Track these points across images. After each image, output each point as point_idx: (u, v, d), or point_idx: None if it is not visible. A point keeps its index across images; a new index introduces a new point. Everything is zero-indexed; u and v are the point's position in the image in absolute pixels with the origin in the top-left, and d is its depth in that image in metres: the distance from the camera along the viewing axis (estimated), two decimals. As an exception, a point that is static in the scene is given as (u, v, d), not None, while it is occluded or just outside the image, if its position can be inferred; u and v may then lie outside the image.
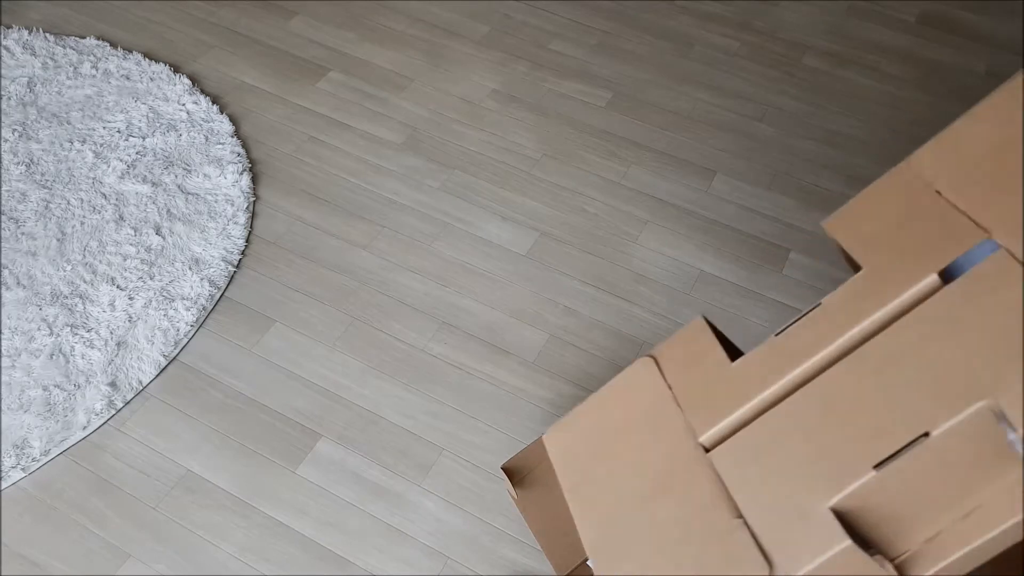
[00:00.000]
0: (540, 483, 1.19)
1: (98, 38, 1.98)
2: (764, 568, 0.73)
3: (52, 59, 1.91)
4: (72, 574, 1.18)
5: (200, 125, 1.80)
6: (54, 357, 1.40)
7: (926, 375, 0.75)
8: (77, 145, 1.73)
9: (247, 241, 1.61)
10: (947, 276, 0.80)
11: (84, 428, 1.32)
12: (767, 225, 1.70)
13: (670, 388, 0.90)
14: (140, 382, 1.39)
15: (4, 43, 1.94)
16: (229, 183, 1.68)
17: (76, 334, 1.43)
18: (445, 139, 1.83)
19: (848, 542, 0.70)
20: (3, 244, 1.55)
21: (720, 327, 1.52)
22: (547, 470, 1.19)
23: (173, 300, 1.49)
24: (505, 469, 1.13)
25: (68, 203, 1.63)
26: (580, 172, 1.78)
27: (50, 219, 1.60)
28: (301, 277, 1.56)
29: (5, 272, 1.51)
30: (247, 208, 1.65)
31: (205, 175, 1.70)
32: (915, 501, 0.72)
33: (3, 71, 1.88)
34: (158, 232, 1.59)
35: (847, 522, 0.73)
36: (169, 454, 1.31)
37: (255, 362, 1.43)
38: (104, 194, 1.65)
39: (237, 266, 1.57)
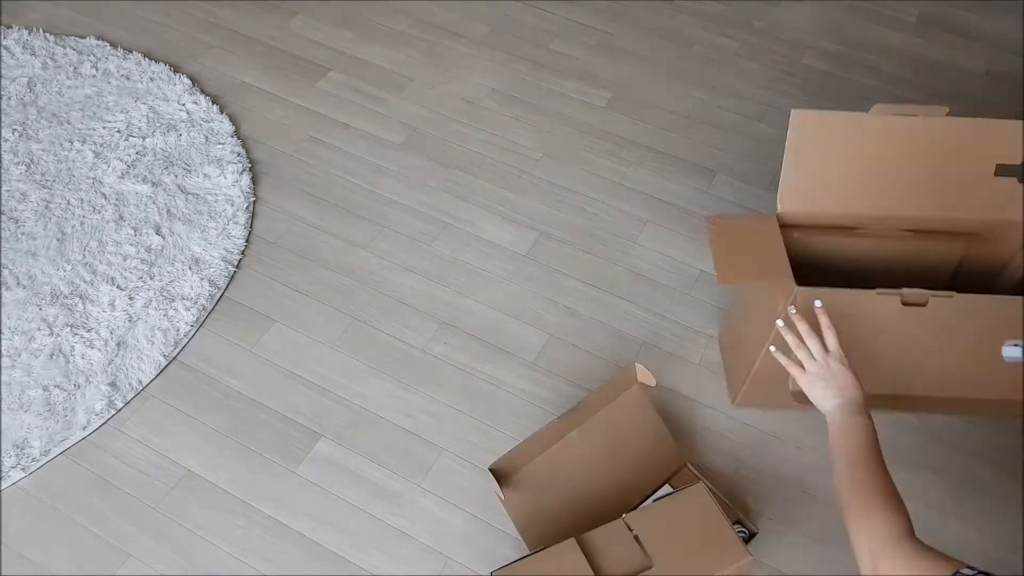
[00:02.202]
0: (527, 484, 1.21)
1: (98, 38, 1.98)
2: None
3: (52, 59, 1.91)
4: (72, 574, 1.18)
5: (200, 125, 1.80)
6: (54, 357, 1.40)
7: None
8: (77, 145, 1.73)
9: (247, 241, 1.61)
10: None
11: (84, 428, 1.32)
12: (767, 225, 1.70)
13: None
14: (140, 382, 1.39)
15: (4, 43, 1.94)
16: (229, 183, 1.68)
17: (76, 334, 1.43)
18: (445, 139, 1.83)
19: None
20: (3, 244, 1.55)
21: (720, 327, 1.52)
22: (534, 471, 1.21)
23: (173, 300, 1.49)
24: (492, 470, 1.15)
25: (68, 203, 1.63)
26: (580, 172, 1.78)
27: (50, 219, 1.60)
28: (301, 277, 1.56)
29: (5, 272, 1.51)
30: (247, 208, 1.65)
31: (205, 175, 1.70)
32: None
33: (3, 71, 1.88)
34: (158, 232, 1.59)
35: None
36: (169, 454, 1.31)
37: (255, 362, 1.43)
38: (104, 194, 1.65)
39: (237, 266, 1.57)
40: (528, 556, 1.06)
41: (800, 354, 1.11)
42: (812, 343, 1.10)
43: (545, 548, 1.05)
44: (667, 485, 1.29)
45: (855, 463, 0.96)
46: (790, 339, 1.12)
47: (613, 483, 1.26)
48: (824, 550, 1.24)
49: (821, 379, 1.07)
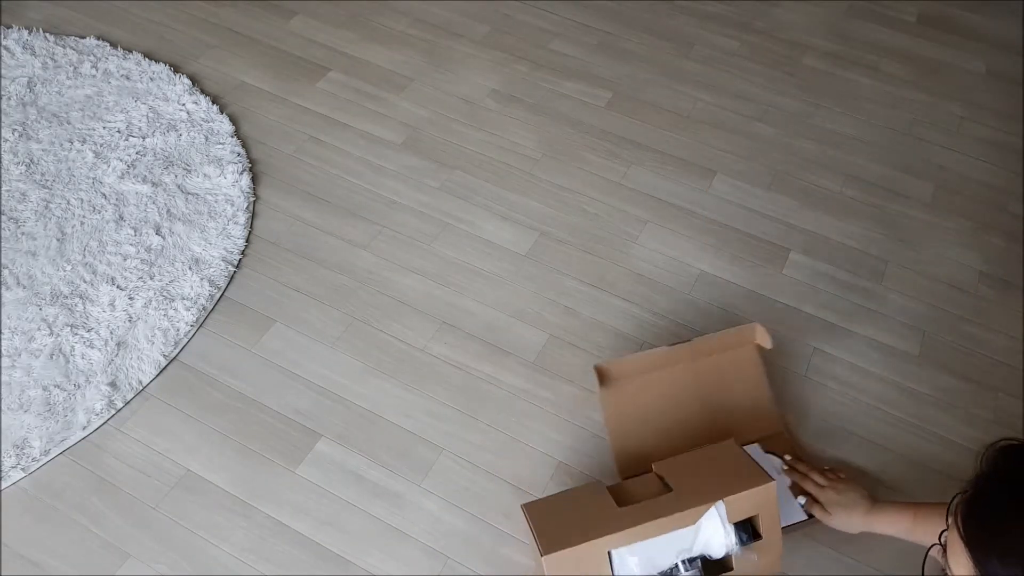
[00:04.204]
0: (624, 395, 1.32)
1: (98, 38, 1.98)
2: None
3: (52, 59, 1.91)
4: (72, 574, 1.18)
5: (200, 125, 1.80)
6: (54, 357, 1.40)
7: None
8: (77, 145, 1.73)
9: (247, 241, 1.61)
10: None
11: (84, 428, 1.32)
12: (767, 225, 1.70)
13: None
14: (140, 382, 1.39)
15: (4, 43, 1.94)
16: (229, 183, 1.68)
17: (76, 334, 1.43)
18: (445, 139, 1.83)
19: None
20: (3, 244, 1.55)
21: (720, 327, 1.52)
22: (635, 386, 1.32)
23: (173, 300, 1.49)
24: (597, 368, 1.29)
25: (68, 203, 1.63)
26: (580, 172, 1.78)
27: (50, 219, 1.60)
28: (301, 277, 1.56)
29: (5, 272, 1.51)
30: (247, 208, 1.65)
31: (205, 175, 1.69)
32: None
33: (3, 71, 1.88)
34: (158, 232, 1.59)
35: None
36: (169, 454, 1.31)
37: (255, 362, 1.43)
38: (104, 194, 1.65)
39: (237, 266, 1.57)
40: (556, 494, 1.19)
41: (820, 494, 1.23)
42: (809, 487, 1.25)
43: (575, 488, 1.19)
44: (757, 444, 1.33)
45: (918, 529, 1.11)
46: (809, 486, 1.26)
47: (705, 424, 1.34)
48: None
49: (837, 507, 1.20)
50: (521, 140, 1.84)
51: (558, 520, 1.10)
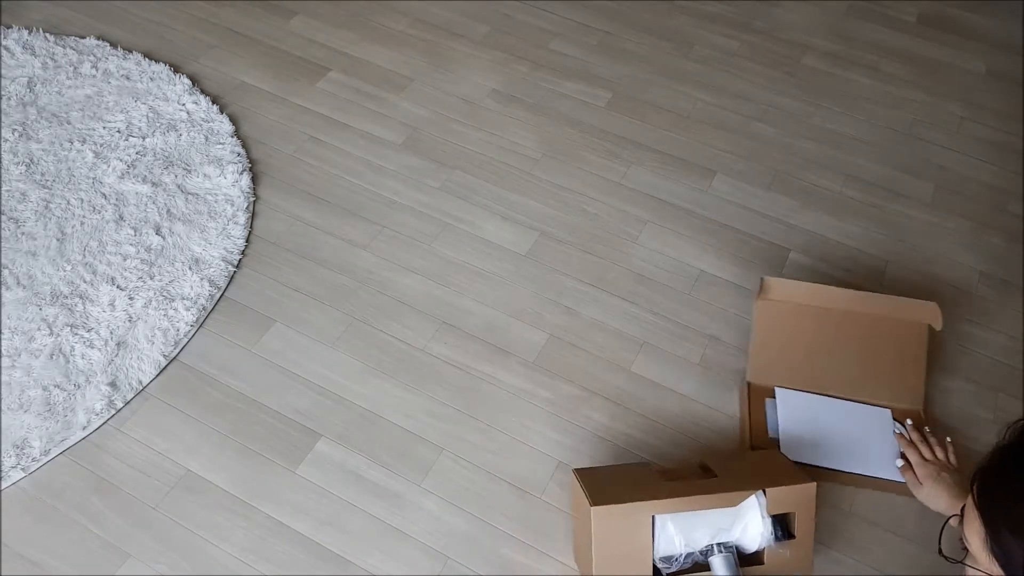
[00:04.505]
0: (779, 313, 1.39)
1: (98, 38, 1.98)
2: None
3: (52, 59, 1.91)
4: (72, 574, 1.18)
5: (200, 125, 1.80)
6: (54, 357, 1.40)
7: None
8: (77, 145, 1.73)
9: (247, 241, 1.61)
10: None
11: (84, 428, 1.32)
12: (767, 225, 1.70)
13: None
14: (140, 382, 1.39)
15: (4, 43, 1.94)
16: (229, 183, 1.68)
17: (76, 334, 1.43)
18: (445, 139, 1.83)
19: None
20: (3, 244, 1.55)
21: (720, 328, 1.52)
22: (792, 309, 1.39)
23: (173, 300, 1.49)
24: (764, 280, 1.36)
25: (68, 203, 1.63)
26: (580, 172, 1.78)
27: (50, 219, 1.60)
28: (301, 277, 1.56)
29: (5, 272, 1.51)
30: (247, 208, 1.65)
31: (205, 175, 1.69)
32: None
33: (3, 71, 1.88)
34: (158, 232, 1.59)
35: None
36: (169, 454, 1.31)
37: (255, 362, 1.43)
38: (104, 194, 1.65)
39: (237, 266, 1.57)
40: (604, 465, 1.28)
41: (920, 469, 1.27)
42: (912, 455, 1.29)
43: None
44: (889, 410, 1.38)
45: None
46: (913, 455, 1.30)
47: (845, 369, 1.39)
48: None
49: (929, 480, 1.23)
50: (521, 140, 1.84)
51: (607, 483, 1.16)
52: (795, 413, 1.37)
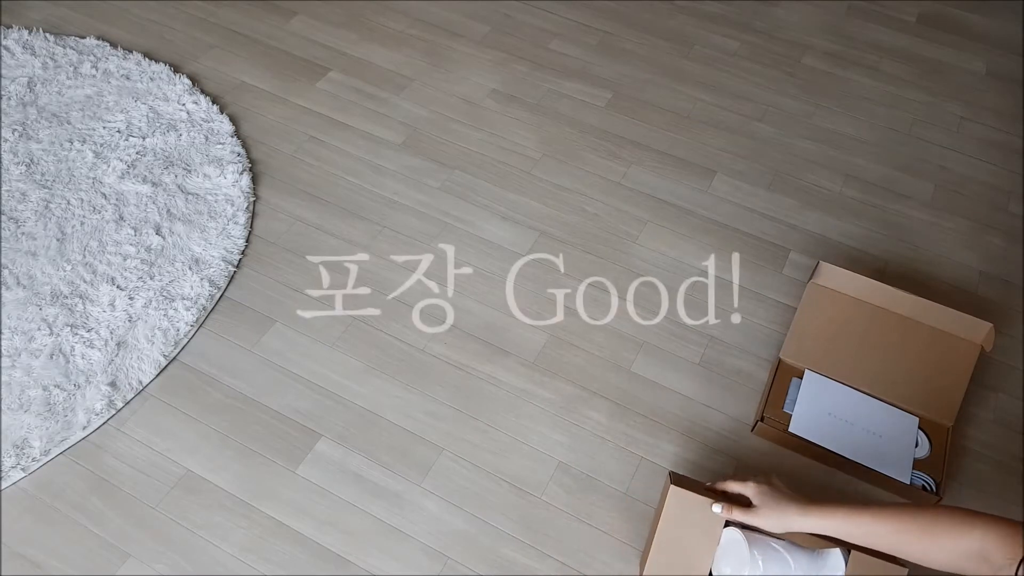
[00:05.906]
0: (829, 304, 1.41)
1: (98, 38, 1.98)
2: None
3: (52, 59, 1.91)
4: (72, 574, 1.18)
5: (200, 125, 1.80)
6: (54, 357, 1.40)
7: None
8: (77, 145, 1.73)
9: (247, 241, 1.61)
10: None
11: (84, 428, 1.32)
12: (767, 225, 1.70)
13: None
14: (140, 382, 1.39)
15: (4, 43, 1.94)
16: (229, 183, 1.68)
17: (76, 334, 1.43)
18: (445, 139, 1.83)
19: None
20: (3, 244, 1.55)
21: (720, 329, 1.52)
22: (841, 301, 1.41)
23: (173, 300, 1.49)
24: (820, 263, 1.40)
25: (68, 203, 1.63)
26: (580, 172, 1.78)
27: (50, 219, 1.60)
28: (301, 277, 1.56)
29: (5, 272, 1.51)
30: (247, 208, 1.65)
31: (205, 175, 1.69)
32: None
33: (3, 71, 1.88)
34: (158, 232, 1.59)
35: None
36: (169, 454, 1.31)
37: (255, 362, 1.43)
38: (104, 194, 1.65)
39: (237, 266, 1.57)
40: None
41: (743, 489, 1.10)
42: (728, 487, 1.12)
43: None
44: (917, 419, 1.36)
45: (868, 531, 0.97)
46: (728, 493, 1.13)
47: (882, 371, 1.39)
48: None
49: (764, 496, 1.07)
50: (521, 140, 1.84)
51: (696, 487, 1.15)
52: (819, 396, 1.38)
